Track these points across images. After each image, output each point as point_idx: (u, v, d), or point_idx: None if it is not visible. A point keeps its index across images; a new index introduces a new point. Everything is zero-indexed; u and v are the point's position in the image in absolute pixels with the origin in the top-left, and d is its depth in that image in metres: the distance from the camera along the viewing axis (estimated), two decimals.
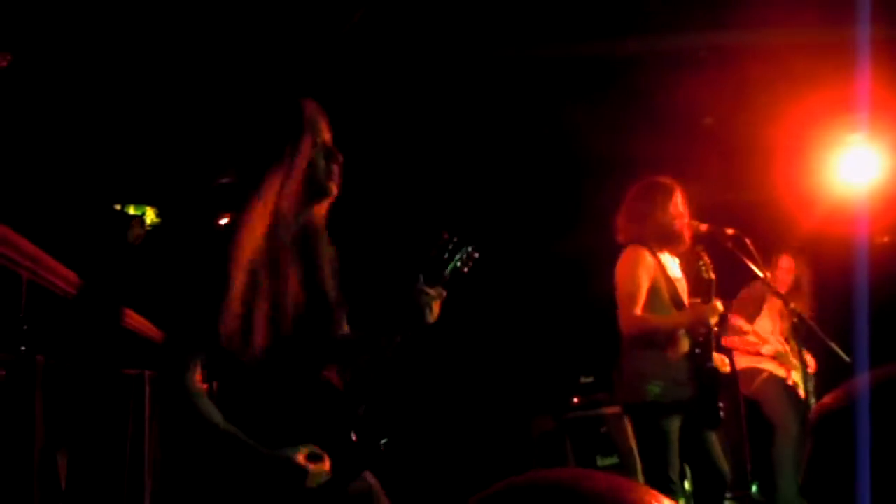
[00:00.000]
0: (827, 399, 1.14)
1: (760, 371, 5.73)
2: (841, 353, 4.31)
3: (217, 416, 2.19)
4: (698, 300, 4.19)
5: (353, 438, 2.38)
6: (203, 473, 2.26)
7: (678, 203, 4.20)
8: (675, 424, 3.96)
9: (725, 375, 4.24)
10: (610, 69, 5.38)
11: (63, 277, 2.51)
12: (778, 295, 5.01)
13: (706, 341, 4.03)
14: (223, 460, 2.22)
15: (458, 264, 2.57)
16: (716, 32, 5.01)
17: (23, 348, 2.33)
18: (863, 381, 1.09)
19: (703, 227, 4.26)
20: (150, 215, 5.84)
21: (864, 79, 4.22)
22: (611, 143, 5.84)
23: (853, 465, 1.02)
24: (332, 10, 4.49)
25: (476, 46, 5.04)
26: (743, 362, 5.84)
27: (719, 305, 4.08)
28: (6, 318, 2.37)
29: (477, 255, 2.62)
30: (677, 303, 4.13)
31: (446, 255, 2.56)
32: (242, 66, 4.86)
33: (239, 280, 2.19)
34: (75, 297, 2.55)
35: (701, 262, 4.12)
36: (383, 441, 2.47)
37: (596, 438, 6.67)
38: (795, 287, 5.73)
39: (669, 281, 4.13)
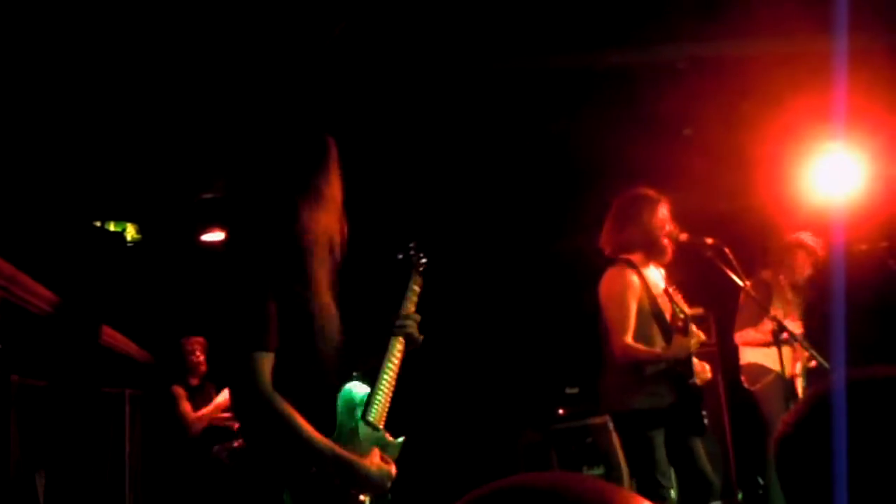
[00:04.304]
0: (787, 417, 1.14)
1: (768, 371, 5.64)
2: (821, 359, 4.33)
3: (299, 419, 2.22)
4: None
5: (388, 437, 2.54)
6: (278, 471, 2.29)
7: (663, 215, 4.29)
8: (659, 430, 4.09)
9: (709, 383, 4.32)
10: (592, 80, 5.40)
11: (39, 296, 2.49)
12: (759, 304, 5.03)
13: (688, 361, 4.13)
14: (304, 460, 2.26)
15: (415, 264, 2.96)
16: (697, 44, 5.04)
17: None
18: (821, 390, 1.10)
19: (684, 236, 4.31)
20: (131, 232, 5.82)
21: (842, 89, 4.25)
22: (596, 154, 5.86)
23: (826, 474, 1.02)
24: (322, 20, 4.49)
25: (468, 58, 5.06)
26: (751, 357, 5.75)
27: (701, 335, 4.19)
28: None
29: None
30: (660, 320, 4.23)
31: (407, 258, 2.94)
32: (221, 78, 4.85)
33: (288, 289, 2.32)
34: (52, 315, 2.53)
35: (675, 307, 4.23)
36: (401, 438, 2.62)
37: (582, 449, 6.67)
38: (807, 278, 5.70)
39: (653, 298, 4.23)
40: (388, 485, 2.39)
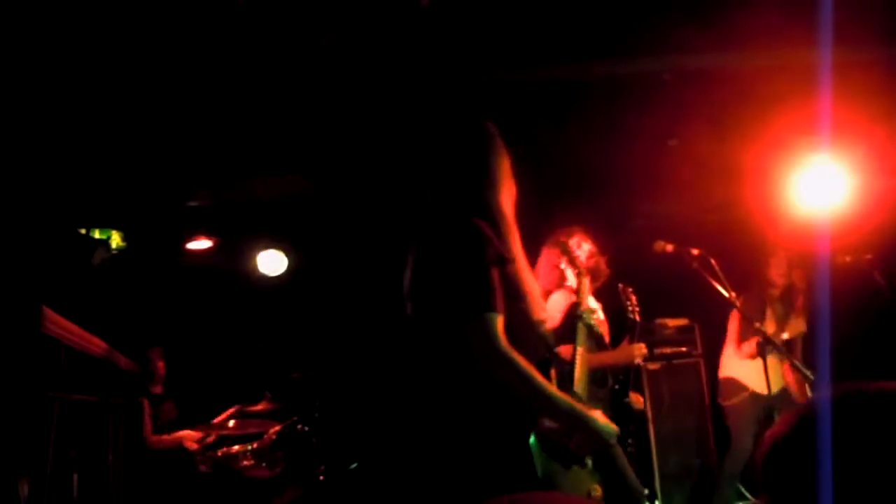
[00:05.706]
0: (777, 427, 1.14)
1: (744, 388, 5.73)
2: (804, 371, 4.34)
3: (536, 373, 2.38)
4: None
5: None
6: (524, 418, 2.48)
7: (587, 247, 4.53)
8: None
9: (693, 395, 4.38)
10: (578, 91, 5.41)
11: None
12: (743, 315, 5.04)
13: (625, 379, 4.31)
14: (545, 408, 2.46)
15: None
16: (682, 55, 5.06)
17: None
18: (808, 405, 1.10)
19: (670, 247, 4.35)
20: (116, 239, 5.79)
21: (827, 100, 4.27)
22: (582, 164, 5.86)
23: (812, 490, 1.01)
24: (307, 31, 4.49)
25: (455, 70, 5.07)
26: (729, 372, 5.81)
27: (643, 348, 4.37)
28: None
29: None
30: (599, 342, 4.40)
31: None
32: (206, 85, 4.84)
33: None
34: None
35: (628, 303, 4.33)
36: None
37: None
38: (790, 287, 5.79)
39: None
40: (613, 440, 2.56)
